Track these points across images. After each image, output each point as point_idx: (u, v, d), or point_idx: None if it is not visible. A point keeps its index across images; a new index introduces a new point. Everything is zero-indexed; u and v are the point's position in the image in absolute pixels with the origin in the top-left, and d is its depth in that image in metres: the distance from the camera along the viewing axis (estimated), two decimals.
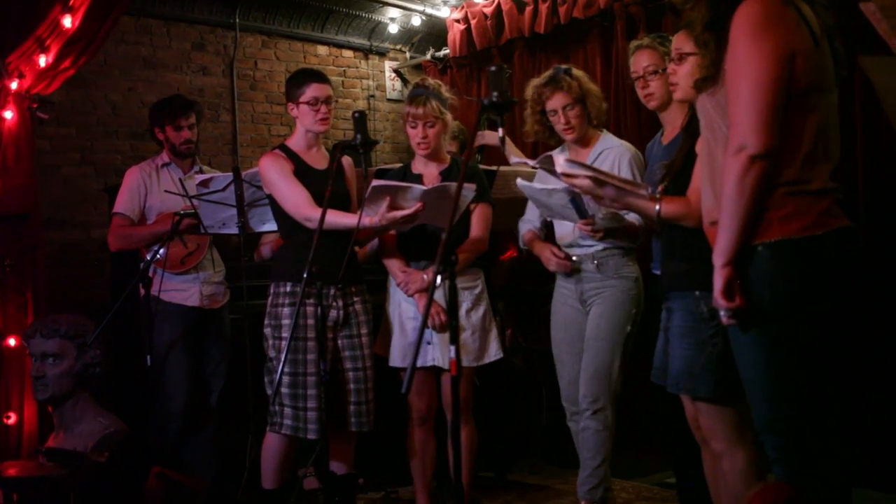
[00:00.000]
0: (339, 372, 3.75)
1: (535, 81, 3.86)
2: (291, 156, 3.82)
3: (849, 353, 2.37)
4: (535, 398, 5.08)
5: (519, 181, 3.52)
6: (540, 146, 5.05)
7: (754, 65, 2.22)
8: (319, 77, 3.88)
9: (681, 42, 2.88)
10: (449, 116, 3.88)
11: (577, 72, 3.85)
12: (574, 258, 3.82)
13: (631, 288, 3.79)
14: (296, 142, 3.88)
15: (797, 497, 2.08)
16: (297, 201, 3.68)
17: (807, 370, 2.26)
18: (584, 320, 3.82)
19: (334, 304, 3.72)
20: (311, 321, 3.64)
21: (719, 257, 2.29)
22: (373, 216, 3.53)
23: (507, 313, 4.86)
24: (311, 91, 3.79)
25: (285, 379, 3.64)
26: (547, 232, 4.06)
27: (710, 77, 2.41)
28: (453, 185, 3.45)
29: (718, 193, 2.32)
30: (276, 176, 3.74)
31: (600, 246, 3.74)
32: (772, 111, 2.21)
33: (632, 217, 3.62)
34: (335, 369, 3.71)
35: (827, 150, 2.30)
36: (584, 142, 3.86)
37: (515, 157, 3.50)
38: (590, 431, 3.77)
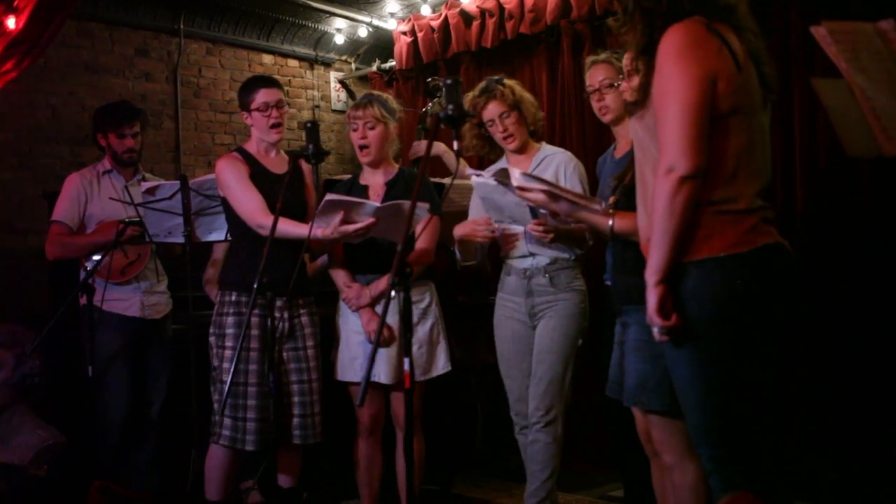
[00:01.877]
0: (284, 384, 3.72)
1: (470, 94, 3.87)
2: (249, 159, 3.79)
3: (778, 366, 2.42)
4: (471, 412, 5.08)
5: (473, 178, 3.53)
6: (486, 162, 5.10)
7: (678, 88, 2.29)
8: (269, 82, 3.86)
9: (629, 60, 2.93)
10: (393, 125, 3.87)
11: (509, 81, 3.88)
12: (524, 270, 3.83)
13: (581, 301, 3.82)
14: (253, 145, 3.86)
15: None
16: (252, 207, 3.64)
17: (737, 384, 2.32)
18: (532, 334, 3.83)
19: (280, 315, 3.69)
20: (255, 332, 3.61)
21: (652, 276, 2.34)
22: (325, 228, 3.51)
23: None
24: (261, 96, 3.77)
25: (223, 388, 3.60)
26: (489, 247, 4.07)
27: (640, 101, 2.48)
28: (407, 203, 3.45)
29: (650, 213, 2.37)
30: (231, 179, 3.70)
31: (549, 259, 3.77)
32: (697, 133, 2.27)
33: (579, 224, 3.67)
34: (280, 381, 3.68)
35: (752, 170, 2.37)
36: (523, 150, 3.88)
37: (471, 170, 3.51)
38: (539, 444, 3.78)
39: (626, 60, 2.99)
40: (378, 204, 3.55)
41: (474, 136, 3.89)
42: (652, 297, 2.32)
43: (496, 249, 3.99)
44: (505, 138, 3.81)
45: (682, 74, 2.28)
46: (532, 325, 3.83)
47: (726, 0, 2.40)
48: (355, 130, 3.84)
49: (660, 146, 2.32)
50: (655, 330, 2.36)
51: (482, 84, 3.88)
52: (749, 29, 2.42)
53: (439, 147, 4.86)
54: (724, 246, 2.30)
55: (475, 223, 3.81)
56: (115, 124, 4.33)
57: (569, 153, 3.91)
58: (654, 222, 2.33)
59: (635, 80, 2.84)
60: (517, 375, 3.88)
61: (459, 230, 3.87)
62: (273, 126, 3.79)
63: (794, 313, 2.50)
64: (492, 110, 3.79)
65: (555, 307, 3.78)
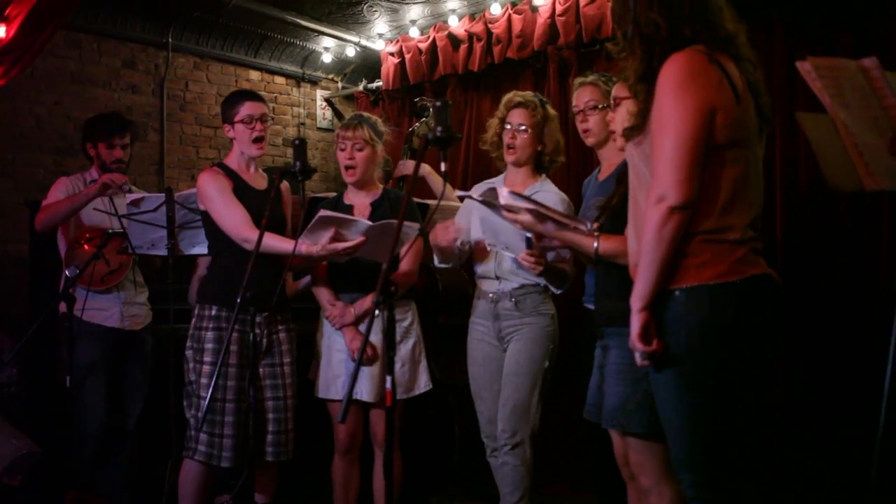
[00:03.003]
0: (259, 401, 3.70)
1: (512, 93, 3.89)
2: (230, 174, 3.79)
3: (761, 393, 2.45)
4: (449, 433, 5.08)
5: (468, 201, 3.53)
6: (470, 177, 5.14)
7: (676, 119, 2.30)
8: (253, 96, 3.88)
9: (618, 90, 2.98)
10: (380, 148, 3.90)
11: (552, 110, 3.88)
12: (491, 295, 3.85)
13: (548, 324, 3.82)
14: (233, 160, 3.86)
15: None
16: (236, 221, 3.64)
17: (720, 410, 2.33)
18: (502, 357, 3.84)
19: (260, 331, 3.69)
20: (234, 347, 3.60)
21: (637, 301, 2.36)
22: (312, 245, 3.52)
23: None
24: (246, 109, 3.78)
25: (203, 404, 3.59)
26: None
27: (638, 127, 2.49)
28: (392, 222, 3.47)
29: (640, 240, 2.40)
30: (215, 193, 3.70)
31: (517, 283, 3.78)
32: (691, 164, 2.29)
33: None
34: (254, 398, 3.66)
35: (745, 202, 2.39)
36: (523, 174, 3.88)
37: (459, 191, 3.52)
38: (508, 467, 3.78)
39: (615, 90, 3.03)
40: (370, 223, 3.56)
41: (495, 133, 3.87)
42: (635, 323, 2.34)
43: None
44: (507, 147, 3.82)
45: (680, 105, 2.30)
46: (502, 349, 3.84)
47: (727, 30, 2.41)
48: (343, 150, 3.85)
49: (653, 175, 2.34)
50: (637, 355, 2.38)
51: (529, 93, 3.88)
52: (748, 59, 2.43)
53: (424, 168, 4.89)
54: (714, 275, 2.32)
55: (443, 227, 3.80)
56: (105, 134, 4.35)
57: (563, 194, 3.90)
58: (641, 249, 2.35)
59: (621, 111, 2.89)
60: (487, 398, 3.89)
61: (432, 237, 3.86)
62: (256, 140, 3.79)
63: (778, 341, 2.52)
64: (515, 116, 3.79)
65: (521, 331, 3.79)
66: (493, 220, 3.53)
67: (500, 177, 3.98)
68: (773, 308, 2.41)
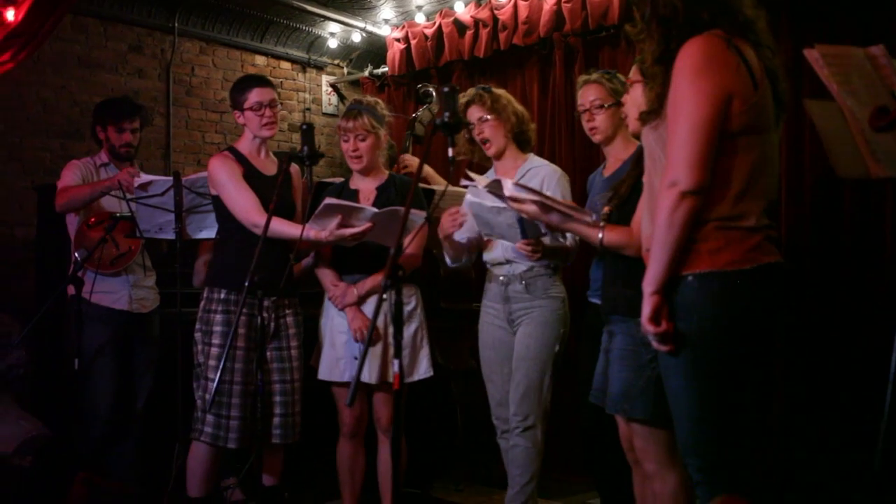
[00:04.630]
0: (266, 384, 3.73)
1: (460, 98, 3.93)
2: (241, 159, 3.82)
3: (770, 381, 2.47)
4: (452, 417, 5.11)
5: (468, 197, 3.56)
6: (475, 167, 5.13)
7: (691, 104, 2.30)
8: (262, 81, 3.90)
9: (634, 74, 2.98)
10: (383, 132, 3.91)
11: (497, 90, 3.94)
12: (501, 277, 3.87)
13: (558, 308, 3.85)
14: (244, 145, 3.88)
15: None
16: (247, 206, 3.67)
17: (729, 396, 2.35)
18: (513, 340, 3.87)
19: (266, 315, 3.71)
20: (242, 330, 3.63)
21: (649, 285, 2.37)
22: (320, 230, 3.54)
23: None
24: (255, 96, 3.81)
25: (211, 386, 3.62)
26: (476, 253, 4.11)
27: (654, 110, 2.48)
28: (397, 209, 3.50)
29: (653, 224, 2.41)
30: (225, 178, 3.73)
31: (527, 266, 3.80)
32: (704, 150, 2.29)
33: (568, 241, 3.71)
34: (262, 381, 3.69)
35: (760, 189, 2.39)
36: (507, 159, 3.92)
37: (464, 181, 3.55)
38: (519, 449, 3.82)
39: (632, 73, 3.03)
40: (376, 209, 3.58)
41: (465, 140, 3.94)
42: (646, 307, 2.36)
43: (480, 255, 4.03)
44: (482, 142, 3.87)
45: (696, 91, 2.30)
46: (512, 332, 3.87)
47: (745, 15, 2.41)
48: (346, 142, 3.87)
49: (667, 159, 2.35)
50: (650, 338, 2.40)
51: (471, 89, 3.96)
52: (767, 45, 2.43)
53: (426, 170, 4.83)
54: (728, 261, 2.32)
55: (448, 214, 3.82)
56: (115, 118, 4.38)
57: (554, 166, 3.94)
58: (654, 234, 2.37)
59: (637, 92, 2.89)
60: (498, 381, 3.92)
61: (441, 229, 3.89)
62: (266, 124, 3.82)
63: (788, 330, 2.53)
64: (471, 113, 3.87)
65: (531, 314, 3.82)
66: (486, 215, 3.56)
67: (491, 170, 4.00)
68: (786, 296, 2.42)
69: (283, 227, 3.58)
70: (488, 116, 3.85)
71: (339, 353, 3.85)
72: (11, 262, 5.48)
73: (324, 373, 3.88)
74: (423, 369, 3.91)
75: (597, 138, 3.59)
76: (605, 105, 3.53)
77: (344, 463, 3.93)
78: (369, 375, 3.76)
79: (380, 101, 4.02)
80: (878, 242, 4.35)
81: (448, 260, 3.98)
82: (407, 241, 3.66)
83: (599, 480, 3.93)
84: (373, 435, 3.96)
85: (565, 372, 4.02)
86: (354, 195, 3.89)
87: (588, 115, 3.57)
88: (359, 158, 3.86)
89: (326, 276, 3.90)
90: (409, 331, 3.86)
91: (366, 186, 3.93)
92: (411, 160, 4.94)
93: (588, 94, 3.58)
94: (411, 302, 3.90)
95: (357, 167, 3.89)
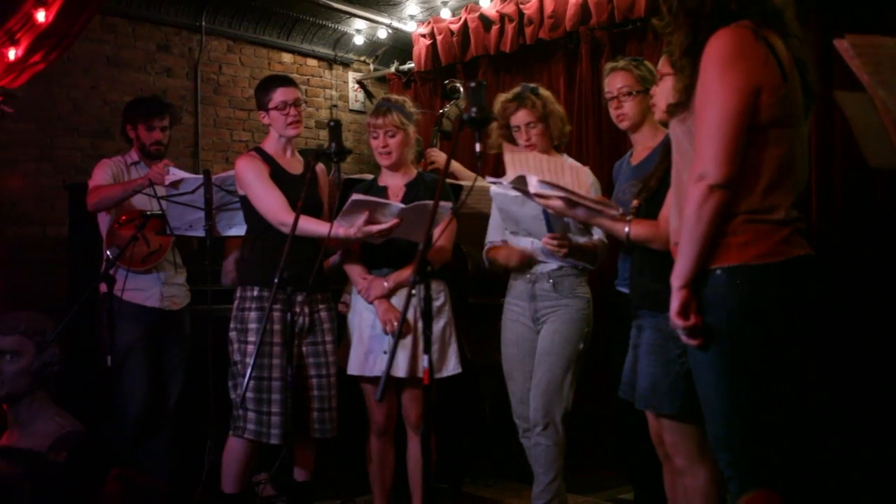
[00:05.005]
0: (303, 379, 3.76)
1: (502, 96, 3.93)
2: (267, 159, 3.84)
3: (802, 375, 2.45)
4: (480, 413, 5.12)
5: (493, 188, 3.56)
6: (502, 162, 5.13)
7: (719, 97, 2.29)
8: (286, 81, 3.92)
9: (663, 65, 2.96)
10: (412, 129, 3.93)
11: (543, 92, 3.92)
12: (528, 275, 3.87)
13: (584, 307, 3.85)
14: (270, 145, 3.91)
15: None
16: (274, 205, 3.70)
17: (760, 390, 2.33)
18: (536, 338, 3.86)
19: (300, 310, 3.73)
20: (277, 326, 3.65)
21: (677, 279, 2.36)
22: (348, 227, 3.56)
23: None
24: (279, 95, 3.83)
25: (251, 383, 3.65)
26: None
27: (682, 103, 2.47)
28: (429, 203, 3.49)
29: (681, 217, 2.40)
30: (252, 178, 3.76)
31: (556, 265, 3.80)
32: (733, 143, 2.27)
33: (595, 238, 3.71)
34: (299, 376, 3.71)
35: (790, 181, 2.37)
36: None
37: (490, 178, 3.55)
38: (541, 447, 3.81)
39: (660, 64, 3.02)
40: (403, 205, 3.59)
41: (500, 135, 3.91)
42: (675, 301, 2.35)
43: None
44: (525, 146, 3.83)
45: (724, 83, 2.29)
46: (536, 330, 3.87)
47: (774, 5, 2.39)
48: (376, 139, 3.89)
49: (695, 152, 2.34)
50: (679, 332, 2.39)
51: (517, 89, 3.91)
52: (795, 35, 2.41)
53: (453, 164, 4.83)
54: (757, 255, 2.30)
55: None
56: (145, 116, 4.43)
57: (587, 169, 3.93)
58: (682, 228, 2.35)
59: (667, 84, 2.87)
60: (519, 378, 3.92)
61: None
62: (291, 123, 3.85)
63: (819, 324, 2.51)
64: (520, 117, 3.83)
65: (557, 312, 3.82)
66: (512, 210, 3.56)
67: (518, 156, 3.98)
68: (817, 289, 2.40)
69: (310, 226, 3.60)
70: (538, 123, 3.83)
71: (369, 348, 3.86)
72: (44, 260, 5.55)
73: (353, 368, 3.89)
74: (452, 366, 3.92)
75: (624, 125, 3.57)
76: (633, 92, 3.51)
77: (374, 459, 3.95)
78: (399, 369, 3.77)
79: (407, 99, 4.03)
80: None
81: (488, 263, 4.00)
82: (437, 233, 3.68)
83: (633, 475, 3.91)
84: (402, 430, 3.97)
85: (592, 367, 4.01)
86: (383, 192, 3.90)
87: (616, 103, 3.56)
88: (388, 154, 3.87)
89: (355, 270, 3.91)
90: (437, 326, 3.86)
91: (394, 183, 3.94)
92: (438, 155, 4.95)
93: (616, 82, 3.57)
94: (440, 297, 3.91)
95: (386, 163, 3.91)
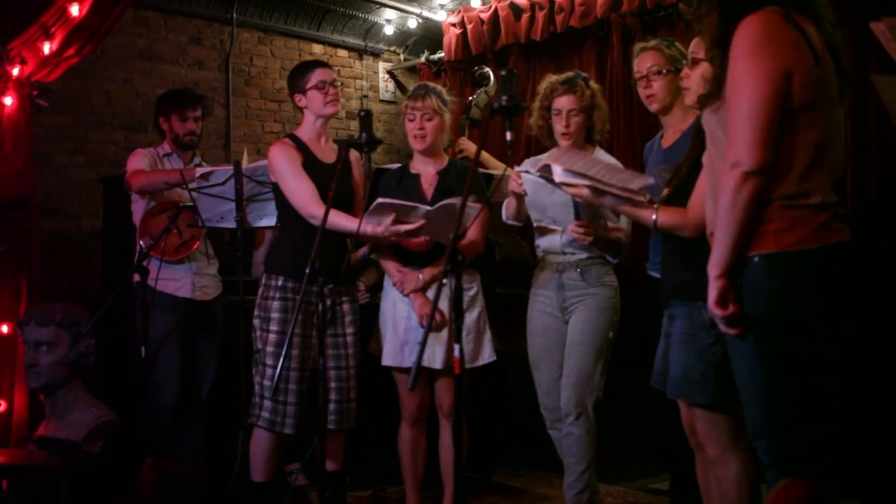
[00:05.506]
0: (324, 370, 3.76)
1: (552, 77, 3.88)
2: (301, 146, 3.85)
3: (841, 362, 2.42)
4: (508, 402, 5.11)
5: (524, 175, 3.54)
6: (534, 147, 5.11)
7: (751, 83, 2.27)
8: (322, 63, 3.97)
9: (696, 47, 2.92)
10: (448, 116, 3.92)
11: (594, 84, 3.87)
12: (556, 265, 3.84)
13: (612, 296, 3.82)
14: (305, 131, 3.91)
15: (817, 492, 2.13)
16: (304, 196, 3.70)
17: (800, 378, 2.31)
18: (564, 328, 3.84)
19: (323, 302, 3.73)
20: (300, 317, 3.65)
21: (714, 268, 2.34)
22: (376, 225, 3.56)
23: None
24: (318, 75, 3.84)
25: (268, 372, 3.68)
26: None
27: (714, 93, 2.45)
28: (456, 202, 3.49)
29: (717, 206, 2.37)
30: (285, 166, 3.76)
31: (584, 255, 3.78)
32: (766, 129, 2.25)
33: (621, 230, 3.68)
34: (318, 367, 3.72)
35: (826, 165, 2.34)
36: (574, 150, 3.87)
37: (518, 167, 3.52)
38: (573, 437, 3.79)
39: (693, 46, 2.98)
40: (429, 207, 3.59)
41: (540, 116, 3.86)
42: (713, 290, 2.33)
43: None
44: (563, 133, 3.80)
45: (755, 69, 2.27)
46: (564, 320, 3.84)
47: None
48: (412, 121, 3.88)
49: (728, 140, 2.32)
50: (718, 321, 2.36)
51: (569, 74, 3.86)
52: (827, 19, 2.38)
53: (482, 155, 4.80)
54: (795, 241, 2.28)
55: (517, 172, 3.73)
56: (179, 107, 4.46)
57: (619, 164, 3.88)
58: (718, 216, 2.33)
59: (699, 69, 2.84)
60: (546, 369, 3.90)
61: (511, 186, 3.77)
62: (330, 101, 3.85)
63: (858, 312, 2.48)
64: (564, 102, 3.77)
65: (585, 301, 3.79)
66: (539, 196, 3.53)
67: (553, 151, 3.95)
68: (855, 277, 2.38)
69: (340, 220, 3.60)
70: (581, 113, 3.77)
71: (404, 339, 3.86)
72: (79, 253, 5.62)
73: (387, 358, 3.89)
74: (487, 354, 3.91)
75: (654, 107, 3.53)
76: (664, 71, 3.46)
77: (406, 448, 3.95)
78: (436, 361, 3.77)
79: (443, 88, 4.02)
80: None
81: (506, 214, 3.93)
82: (467, 224, 3.66)
83: (670, 463, 3.88)
84: (434, 420, 3.98)
85: (624, 355, 3.99)
86: (415, 179, 3.90)
87: (645, 82, 3.52)
88: (423, 138, 3.87)
89: (390, 262, 3.91)
90: (472, 316, 3.86)
91: (427, 170, 3.93)
92: (467, 144, 4.93)
93: (645, 61, 3.53)
94: (473, 287, 3.90)
95: (420, 147, 3.90)
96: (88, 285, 5.38)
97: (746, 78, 2.27)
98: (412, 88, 4.05)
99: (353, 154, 3.94)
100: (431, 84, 4.01)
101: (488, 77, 5.32)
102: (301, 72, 3.90)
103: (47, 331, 3.95)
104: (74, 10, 4.14)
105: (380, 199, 3.54)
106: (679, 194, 2.94)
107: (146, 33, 6.10)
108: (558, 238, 3.80)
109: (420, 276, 3.81)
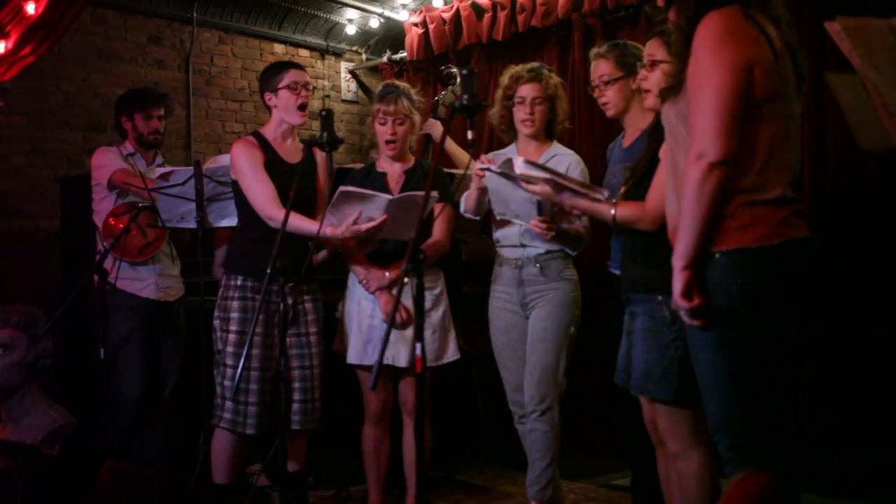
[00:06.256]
0: (286, 370, 3.74)
1: (516, 67, 3.90)
2: (264, 145, 3.81)
3: (801, 358, 2.45)
4: (472, 401, 5.12)
5: (487, 173, 3.54)
6: (496, 143, 5.12)
7: (714, 75, 2.30)
8: (297, 65, 3.94)
9: (653, 49, 2.95)
10: (417, 117, 3.93)
11: (557, 77, 3.92)
12: (515, 261, 3.85)
13: (572, 290, 3.85)
14: (270, 130, 3.88)
15: (775, 484, 2.15)
16: (264, 198, 3.67)
17: (759, 373, 2.33)
18: (525, 324, 3.86)
19: (285, 301, 3.71)
20: (260, 316, 3.62)
21: (679, 260, 2.36)
22: (336, 227, 3.54)
23: None
24: (291, 76, 3.81)
25: (229, 372, 3.66)
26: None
27: (675, 86, 2.48)
28: (418, 193, 3.49)
29: (680, 199, 2.39)
30: (246, 166, 3.73)
31: (543, 249, 3.79)
32: (731, 119, 2.28)
33: (578, 225, 3.70)
34: (280, 367, 3.69)
35: (784, 160, 2.38)
36: (534, 144, 3.89)
37: (480, 165, 3.52)
38: (537, 433, 3.82)
39: (650, 48, 3.01)
40: (391, 196, 3.58)
41: (503, 106, 3.89)
42: (678, 283, 2.35)
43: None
44: (524, 121, 3.82)
45: (718, 61, 2.30)
46: (525, 315, 3.86)
47: None
48: (383, 125, 3.86)
49: (691, 132, 2.34)
50: (682, 314, 2.38)
51: (534, 63, 3.90)
52: (784, 19, 2.43)
53: (448, 143, 4.81)
54: (755, 237, 2.31)
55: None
56: (143, 105, 4.45)
57: (577, 156, 3.92)
58: (682, 208, 2.35)
59: (659, 71, 2.87)
60: (512, 366, 3.91)
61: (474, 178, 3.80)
62: (300, 106, 3.82)
63: (818, 307, 2.51)
64: (529, 90, 3.80)
65: (546, 296, 3.81)
66: (502, 191, 3.54)
67: (512, 146, 3.98)
68: (815, 272, 2.41)
69: (299, 223, 3.56)
70: (544, 102, 3.81)
71: (367, 337, 3.84)
72: (36, 254, 5.55)
73: (352, 357, 3.88)
74: (452, 352, 3.92)
75: (610, 113, 3.57)
76: (613, 79, 3.49)
77: (369, 447, 3.94)
78: (400, 359, 3.77)
79: (410, 86, 4.01)
80: None
81: (464, 207, 3.93)
82: (436, 212, 3.63)
83: (632, 460, 3.91)
84: (397, 419, 3.97)
85: (588, 352, 4.01)
86: (382, 178, 3.89)
87: (598, 91, 3.55)
88: (395, 144, 3.86)
89: (356, 260, 3.89)
90: (438, 314, 3.87)
91: (393, 169, 3.93)
92: (435, 126, 4.89)
93: (597, 70, 3.56)
94: (438, 286, 3.90)
95: (391, 153, 3.90)
96: (45, 287, 5.29)
97: (710, 69, 2.31)
98: (380, 89, 4.03)
99: (320, 155, 3.91)
100: (400, 85, 3.99)
101: (455, 76, 5.31)
102: (275, 71, 3.87)
103: (3, 333, 3.89)
104: (30, 8, 4.10)
105: (342, 188, 3.51)
106: (637, 189, 2.96)
107: (104, 32, 6.03)
108: (517, 229, 3.81)
109: (386, 273, 3.80)
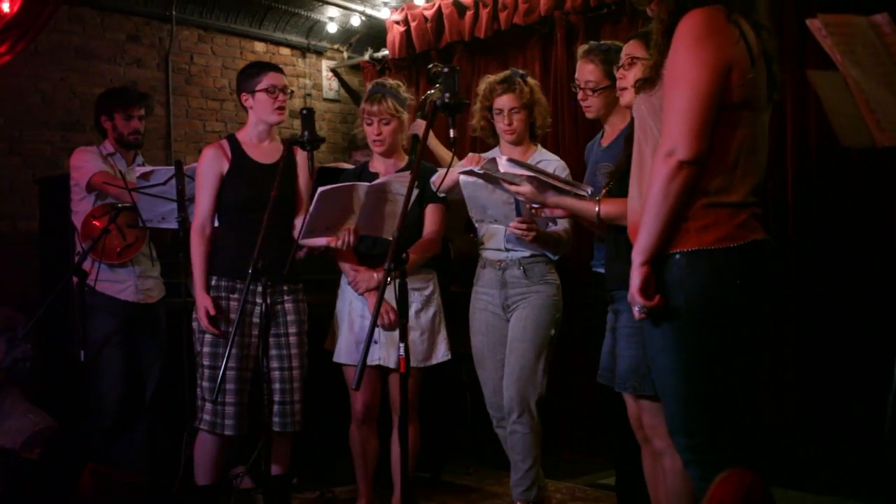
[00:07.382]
0: (267, 370, 3.71)
1: (490, 78, 3.92)
2: (236, 150, 3.79)
3: (758, 358, 2.45)
4: (461, 401, 5.11)
5: (462, 177, 3.53)
6: (479, 143, 5.10)
7: (691, 73, 2.29)
8: (275, 67, 3.91)
9: (632, 48, 2.96)
10: (406, 116, 3.93)
11: (532, 80, 3.92)
12: (499, 262, 3.85)
13: (554, 294, 3.85)
14: (246, 133, 3.86)
15: (759, 481, 2.14)
16: (197, 213, 3.75)
17: (716, 374, 2.34)
18: (506, 326, 3.86)
19: (264, 300, 3.67)
20: (234, 316, 3.60)
21: (638, 255, 2.35)
22: (337, 238, 3.61)
23: None
24: (269, 79, 3.78)
25: (206, 373, 3.64)
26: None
27: (650, 79, 2.47)
28: (396, 179, 3.48)
29: (644, 193, 2.38)
30: (200, 176, 3.77)
31: (527, 253, 3.79)
32: (704, 119, 2.27)
33: (559, 227, 3.69)
34: (261, 367, 3.67)
35: (750, 166, 2.37)
36: (519, 149, 3.89)
37: (460, 165, 3.51)
38: (518, 435, 3.81)
39: (628, 47, 3.01)
40: (369, 184, 3.56)
41: (482, 117, 3.91)
42: (636, 278, 2.34)
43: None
44: (505, 130, 3.84)
45: (697, 59, 2.28)
46: (505, 318, 3.86)
47: None
48: (370, 125, 3.87)
49: (663, 128, 2.33)
50: (636, 309, 2.38)
51: (506, 73, 3.90)
52: (765, 27, 2.42)
53: (431, 141, 4.79)
54: (715, 239, 2.31)
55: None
56: (124, 105, 4.40)
57: (563, 161, 3.92)
58: (646, 204, 2.34)
59: (636, 69, 2.86)
60: (490, 367, 3.91)
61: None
62: (278, 108, 3.81)
63: (777, 308, 2.52)
64: (505, 101, 3.81)
65: (528, 298, 3.81)
66: (479, 196, 3.53)
67: (496, 149, 3.98)
68: (774, 274, 2.42)
69: (193, 258, 3.69)
70: (522, 110, 3.82)
71: (358, 337, 3.83)
72: (14, 255, 5.47)
73: (340, 356, 3.87)
74: (442, 353, 3.91)
75: (590, 115, 3.60)
76: (600, 87, 3.50)
77: (356, 447, 3.94)
78: (390, 360, 3.76)
79: (401, 84, 4.00)
80: (886, 210, 4.30)
81: (436, 186, 3.91)
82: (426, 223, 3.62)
83: (616, 459, 3.91)
84: (386, 421, 3.95)
85: (571, 353, 4.00)
86: (375, 177, 3.87)
87: (583, 94, 3.56)
88: (381, 143, 3.87)
89: (346, 261, 3.87)
90: (428, 315, 3.86)
91: (385, 169, 3.93)
92: (419, 125, 4.88)
93: (584, 74, 3.56)
94: (429, 286, 3.90)
95: (379, 150, 3.91)
96: (24, 289, 5.23)
97: (687, 68, 2.29)
98: (369, 89, 4.01)
99: (301, 155, 3.88)
100: (388, 83, 3.97)
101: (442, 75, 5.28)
102: (253, 72, 3.84)
103: None
104: (5, 6, 4.06)
105: (320, 190, 3.49)
106: (620, 186, 2.95)
107: (82, 31, 5.96)
108: (501, 232, 3.79)
109: (375, 274, 3.78)
